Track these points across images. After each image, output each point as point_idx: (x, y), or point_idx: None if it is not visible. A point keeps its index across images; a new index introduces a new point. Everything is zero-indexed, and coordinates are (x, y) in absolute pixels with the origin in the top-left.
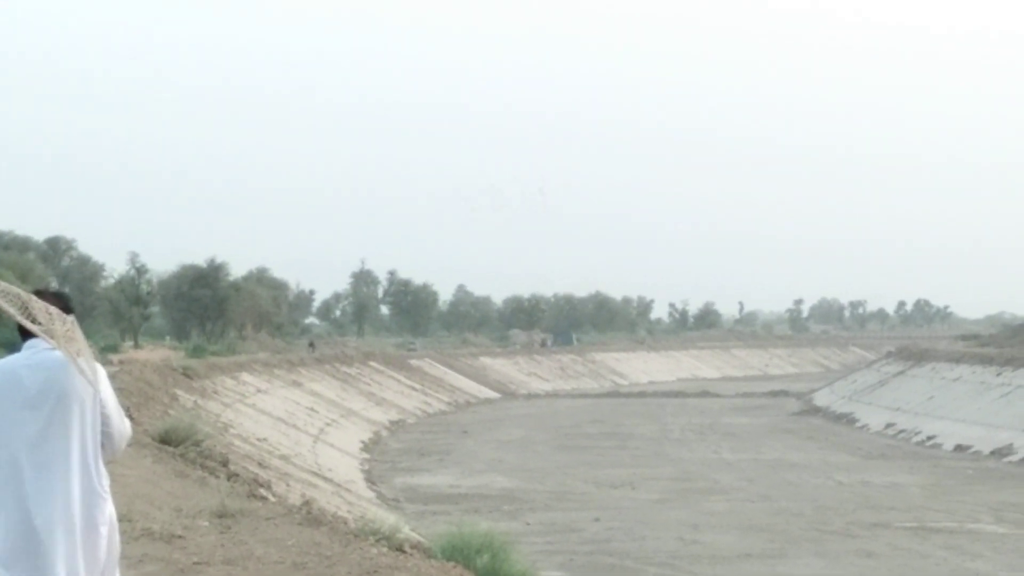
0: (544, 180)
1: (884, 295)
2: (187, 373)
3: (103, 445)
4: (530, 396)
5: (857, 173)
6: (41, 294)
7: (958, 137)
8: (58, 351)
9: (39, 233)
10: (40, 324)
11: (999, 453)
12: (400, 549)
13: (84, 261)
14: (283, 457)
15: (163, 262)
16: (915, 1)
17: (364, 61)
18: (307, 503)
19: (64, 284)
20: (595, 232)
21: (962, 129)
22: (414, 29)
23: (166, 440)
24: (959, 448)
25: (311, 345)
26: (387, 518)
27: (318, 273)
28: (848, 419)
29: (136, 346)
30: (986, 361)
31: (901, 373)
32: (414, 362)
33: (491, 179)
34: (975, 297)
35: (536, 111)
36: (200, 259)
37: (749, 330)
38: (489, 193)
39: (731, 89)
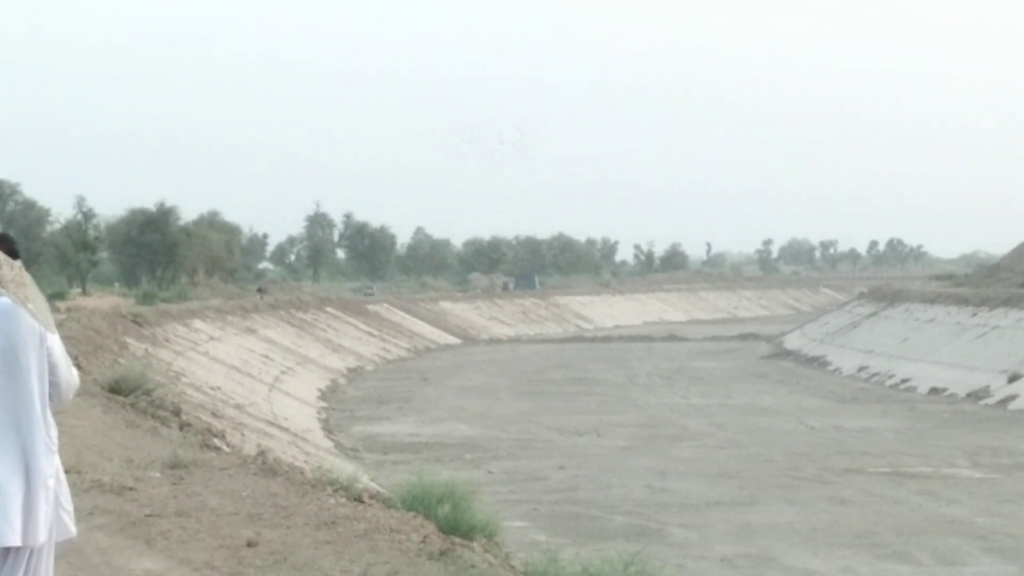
0: (522, 121)
1: (856, 235)
2: (137, 320)
3: (50, 395)
4: (492, 341)
5: (825, 116)
6: None
7: (922, 84)
8: (5, 297)
9: None
10: None
11: (975, 395)
12: (359, 499)
13: (29, 206)
14: (237, 406)
15: (111, 206)
16: None
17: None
18: (262, 453)
19: (8, 229)
20: (559, 173)
21: (926, 76)
22: None
23: (116, 389)
24: (934, 391)
25: (260, 291)
26: (345, 468)
27: (272, 216)
28: (820, 362)
29: (84, 293)
30: (961, 301)
31: (874, 315)
32: (372, 307)
33: (463, 119)
34: (949, 236)
35: (511, 54)
36: (149, 203)
37: (717, 272)
38: (464, 132)
39: (702, 41)
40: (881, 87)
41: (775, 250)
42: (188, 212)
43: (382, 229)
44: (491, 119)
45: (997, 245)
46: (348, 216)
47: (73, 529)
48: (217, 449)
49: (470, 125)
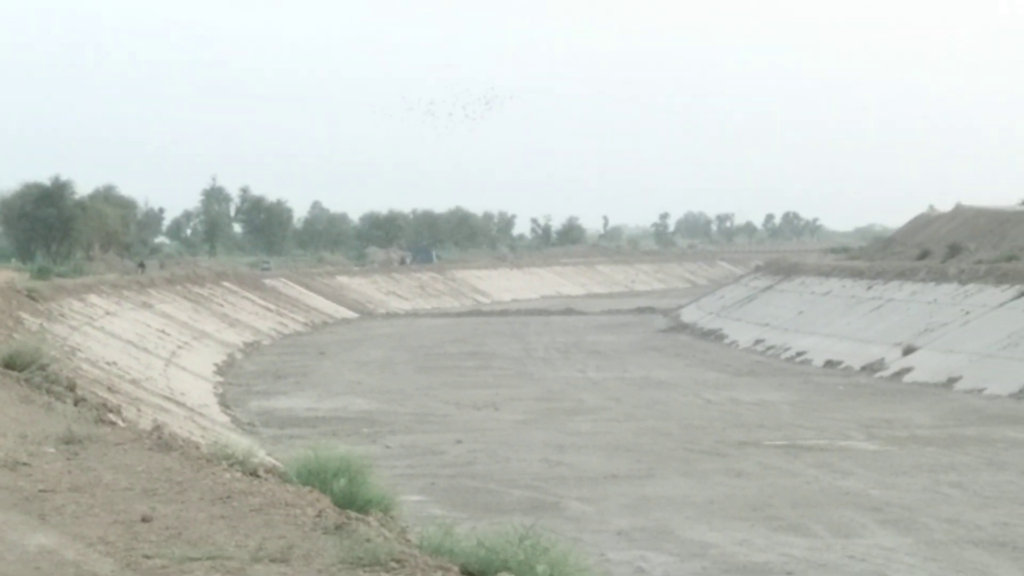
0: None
1: (752, 208)
2: (32, 295)
3: None
4: (389, 316)
5: (720, 93)
6: None
7: (815, 60)
8: None
9: None
10: None
11: (870, 368)
12: (254, 474)
13: None
14: (133, 381)
15: (4, 181)
16: None
17: None
18: (158, 428)
19: None
20: (456, 147)
21: (818, 53)
22: None
23: (10, 365)
24: (829, 364)
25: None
26: (241, 442)
27: (168, 191)
28: (716, 335)
29: None
30: (856, 274)
31: (770, 288)
32: (268, 282)
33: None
34: (844, 210)
35: (416, 28)
36: (44, 177)
37: (614, 245)
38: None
39: (602, 22)
40: (774, 64)
41: (672, 224)
42: (83, 187)
43: (278, 203)
44: (401, 95)
45: (892, 218)
46: (244, 190)
47: None
48: (112, 424)
49: (376, 98)
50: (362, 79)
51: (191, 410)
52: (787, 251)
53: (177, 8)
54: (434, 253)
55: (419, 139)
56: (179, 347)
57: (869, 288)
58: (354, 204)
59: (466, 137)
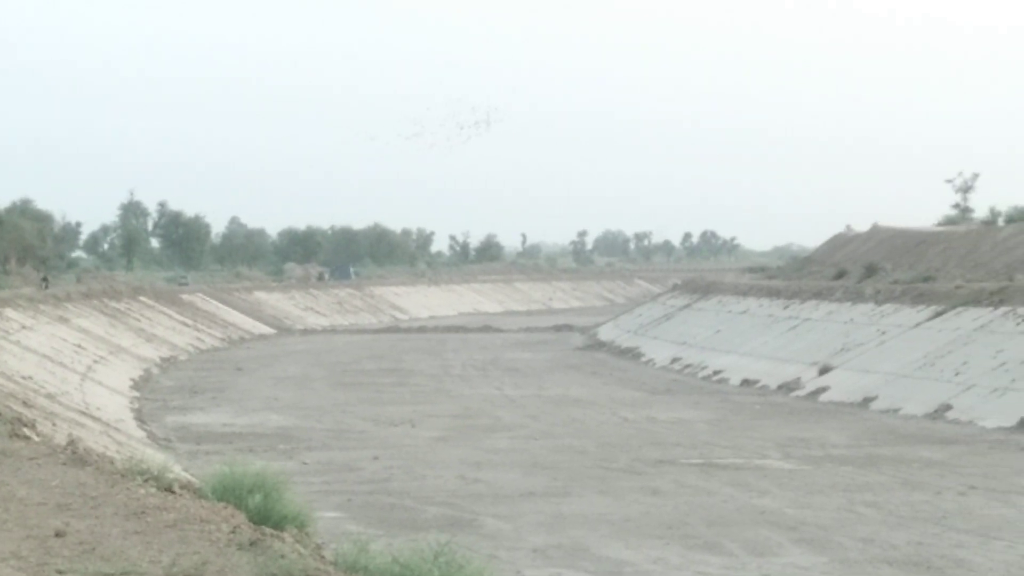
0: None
1: (670, 227)
2: None
3: None
4: (307, 332)
5: (639, 113)
6: None
7: (736, 82)
8: None
9: None
10: None
11: (786, 387)
12: (169, 489)
13: None
14: (49, 396)
15: None
16: None
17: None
18: (73, 443)
19: None
20: (376, 163)
21: (740, 73)
22: None
23: None
24: (746, 383)
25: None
26: (156, 457)
27: (85, 205)
28: (633, 354)
29: None
30: (773, 294)
31: (687, 306)
32: (186, 297)
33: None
34: (762, 229)
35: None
36: None
37: (532, 263)
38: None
39: (516, 41)
40: (692, 82)
41: (590, 242)
42: None
43: (196, 218)
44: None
45: (809, 238)
46: (162, 205)
47: None
48: (26, 439)
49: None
50: (283, 90)
51: (107, 425)
52: (705, 270)
53: (94, 15)
54: (352, 269)
55: (337, 155)
56: (95, 362)
57: (786, 307)
58: (272, 220)
59: (385, 153)
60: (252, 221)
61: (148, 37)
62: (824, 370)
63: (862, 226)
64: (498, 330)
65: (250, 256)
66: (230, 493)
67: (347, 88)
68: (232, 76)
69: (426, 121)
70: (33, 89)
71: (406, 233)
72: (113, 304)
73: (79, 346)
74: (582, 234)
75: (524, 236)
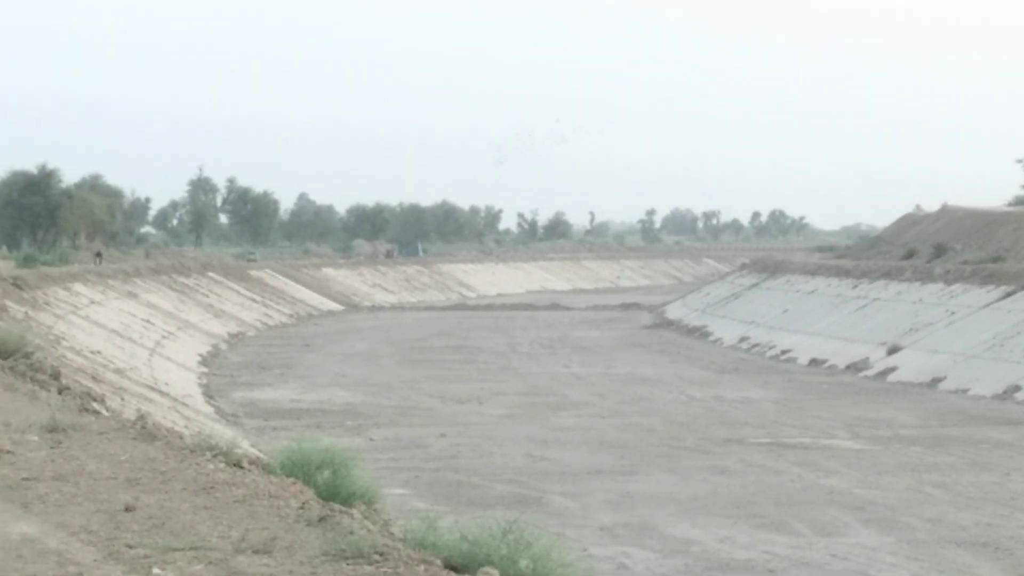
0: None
1: (738, 206)
2: (17, 283)
3: None
4: (374, 308)
5: (708, 89)
6: None
7: (805, 60)
8: None
9: None
10: None
11: (855, 367)
12: (238, 465)
13: None
14: (118, 371)
15: None
16: None
17: None
18: (142, 418)
19: None
20: (442, 140)
21: (809, 52)
22: None
23: None
24: (814, 362)
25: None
26: (224, 433)
27: (155, 180)
28: (701, 332)
29: None
30: (842, 273)
31: (755, 286)
32: (254, 273)
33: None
34: (831, 208)
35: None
36: (31, 165)
37: (600, 241)
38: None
39: (574, 20)
40: (762, 62)
41: (658, 220)
42: (70, 175)
43: (265, 194)
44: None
45: (879, 218)
46: (231, 181)
47: None
48: (96, 413)
49: (364, 87)
50: (351, 68)
51: (175, 400)
52: (773, 249)
53: (166, 4)
54: (420, 246)
55: (406, 132)
56: (164, 337)
57: (855, 287)
58: (341, 196)
59: (453, 129)
60: (320, 197)
61: (217, 15)
62: (893, 350)
63: (932, 206)
64: (566, 308)
65: (318, 232)
66: (298, 469)
67: (415, 65)
68: (301, 55)
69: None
70: (104, 65)
71: (474, 210)
72: (182, 280)
73: (148, 321)
74: (650, 212)
75: (592, 214)
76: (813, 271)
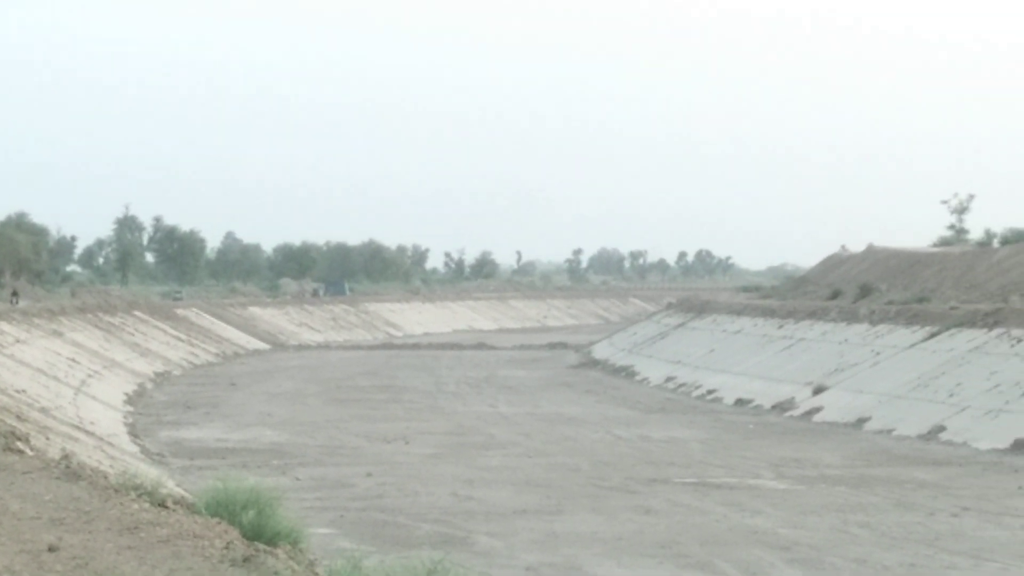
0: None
1: (665, 246)
2: None
3: None
4: (301, 347)
5: (634, 130)
6: None
7: (732, 101)
8: None
9: None
10: None
11: (780, 407)
12: (163, 504)
13: None
14: (42, 409)
15: None
16: None
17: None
18: (66, 457)
19: None
20: (368, 180)
21: (734, 93)
22: None
23: None
24: (740, 402)
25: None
26: (149, 472)
27: (80, 219)
28: (628, 372)
29: None
30: (768, 313)
31: (682, 325)
32: (180, 312)
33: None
34: (757, 248)
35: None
36: None
37: (527, 280)
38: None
39: (506, 57)
40: (688, 104)
41: (585, 260)
42: None
43: (191, 233)
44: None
45: (804, 258)
46: (157, 219)
47: None
48: (20, 452)
49: (287, 122)
50: (277, 105)
51: (100, 439)
52: (700, 289)
53: (91, 28)
54: (347, 285)
55: (331, 169)
56: (89, 376)
57: (780, 327)
58: (267, 235)
59: (380, 167)
60: (247, 236)
61: (144, 50)
62: (818, 390)
63: (857, 246)
64: (492, 347)
65: (245, 271)
66: (224, 509)
67: (341, 102)
68: (227, 90)
69: None
70: (29, 101)
71: (401, 249)
72: (108, 318)
73: (73, 360)
74: (577, 252)
75: (519, 254)
76: (739, 311)
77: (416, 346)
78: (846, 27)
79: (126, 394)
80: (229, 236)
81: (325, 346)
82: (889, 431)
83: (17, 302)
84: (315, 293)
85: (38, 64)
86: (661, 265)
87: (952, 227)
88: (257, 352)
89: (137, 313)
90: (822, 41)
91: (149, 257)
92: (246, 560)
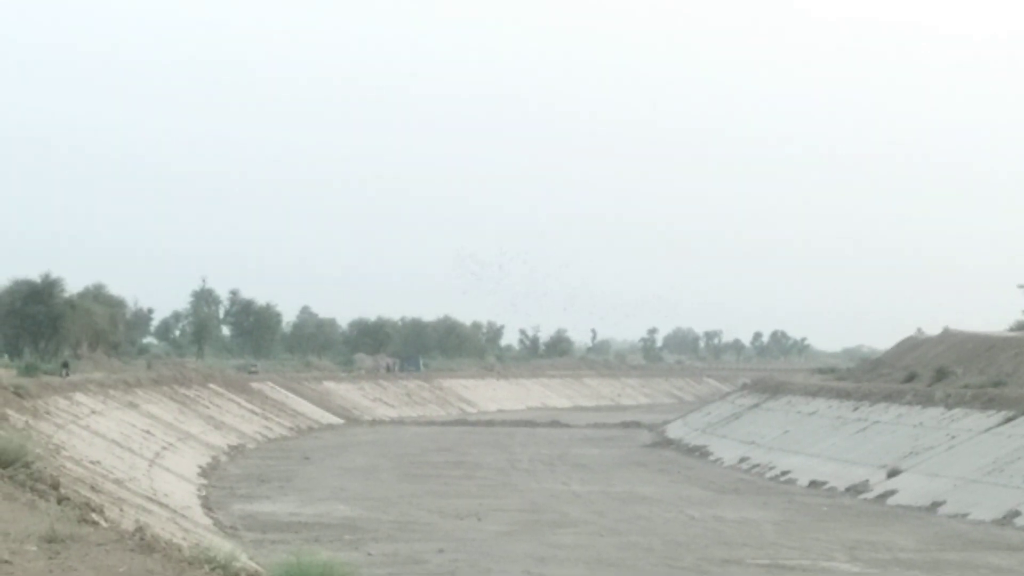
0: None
1: (740, 326)
2: (18, 392)
3: None
4: (375, 422)
5: (708, 213)
6: None
7: (809, 185)
8: None
9: None
10: None
11: (854, 489)
12: None
13: None
14: (117, 481)
15: None
16: None
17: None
18: (140, 529)
19: None
20: (444, 256)
21: (811, 176)
22: None
23: None
24: (814, 484)
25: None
26: (223, 546)
27: (157, 291)
28: (701, 452)
29: None
30: (843, 395)
31: (756, 406)
32: (255, 385)
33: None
34: (833, 330)
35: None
36: (34, 274)
37: (602, 359)
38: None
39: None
40: (766, 186)
41: (659, 339)
42: (73, 284)
43: (267, 307)
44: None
45: (880, 340)
46: (234, 293)
47: None
48: (95, 524)
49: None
50: (355, 185)
51: (174, 512)
52: (774, 370)
53: (170, 107)
54: (421, 361)
55: (409, 248)
56: (164, 448)
57: (855, 409)
58: (343, 310)
59: (456, 245)
60: (323, 311)
61: (220, 132)
62: (892, 473)
63: (933, 329)
64: (566, 425)
65: (320, 346)
66: None
67: (418, 185)
68: (303, 173)
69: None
70: (109, 178)
71: (476, 326)
72: (183, 391)
73: (148, 432)
74: (652, 331)
75: (594, 332)
76: (814, 392)
77: (490, 423)
78: (906, 122)
79: (200, 467)
80: (305, 310)
81: (399, 421)
82: (964, 515)
83: (67, 374)
84: (389, 368)
85: (117, 144)
86: (736, 345)
87: None
88: (331, 427)
89: (212, 386)
90: (880, 136)
91: (225, 330)
92: None
